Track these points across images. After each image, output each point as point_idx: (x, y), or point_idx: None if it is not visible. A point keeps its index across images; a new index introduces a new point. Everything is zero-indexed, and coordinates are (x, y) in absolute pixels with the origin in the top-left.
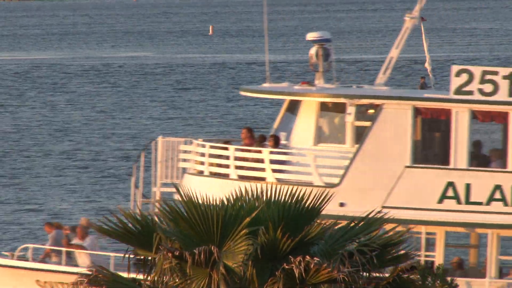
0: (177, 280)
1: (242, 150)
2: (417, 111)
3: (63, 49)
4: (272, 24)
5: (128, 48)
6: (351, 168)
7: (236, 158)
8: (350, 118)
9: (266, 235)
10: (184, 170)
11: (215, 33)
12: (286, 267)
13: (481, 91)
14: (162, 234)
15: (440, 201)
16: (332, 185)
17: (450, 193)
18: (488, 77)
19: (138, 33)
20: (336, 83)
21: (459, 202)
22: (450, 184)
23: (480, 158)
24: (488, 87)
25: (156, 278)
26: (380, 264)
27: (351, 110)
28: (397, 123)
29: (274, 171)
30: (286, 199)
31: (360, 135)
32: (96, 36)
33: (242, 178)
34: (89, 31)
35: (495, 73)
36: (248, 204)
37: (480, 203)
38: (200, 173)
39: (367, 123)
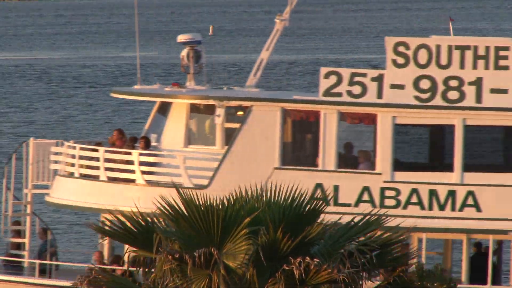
0: (177, 281)
1: (112, 152)
2: (286, 113)
3: None
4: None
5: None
6: (220, 169)
7: (107, 160)
8: (219, 119)
9: (266, 235)
10: (56, 172)
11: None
12: (286, 268)
13: (349, 93)
14: (162, 234)
15: None
16: (202, 187)
17: (319, 194)
18: (356, 79)
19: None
20: (206, 85)
21: (327, 204)
22: (319, 186)
23: (349, 160)
24: (356, 89)
25: (156, 279)
26: (380, 264)
27: (220, 112)
28: (265, 125)
29: (144, 172)
30: (286, 199)
31: (230, 137)
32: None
33: (112, 180)
34: None
35: (364, 75)
36: (248, 204)
37: (348, 205)
38: (71, 174)
39: (237, 125)
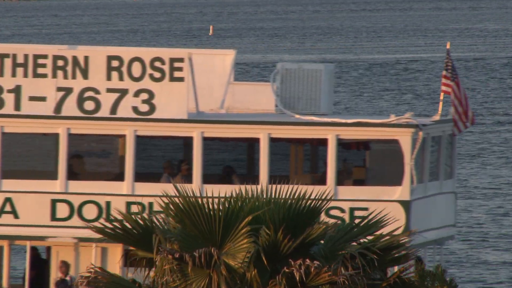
0: (177, 281)
1: None
2: None
3: None
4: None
5: None
6: None
7: None
8: None
9: (267, 235)
10: None
11: None
12: (287, 270)
13: None
14: (161, 235)
15: None
16: None
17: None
18: None
19: None
20: None
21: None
22: None
23: None
24: None
25: (156, 279)
26: (380, 265)
27: None
28: None
29: None
30: (287, 199)
31: None
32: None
33: None
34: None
35: None
36: (249, 203)
37: None
38: None
39: None
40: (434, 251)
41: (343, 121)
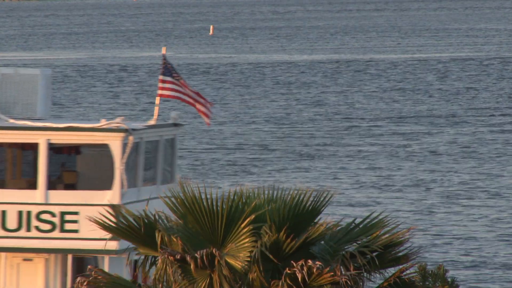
0: (179, 282)
1: None
2: None
3: None
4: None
5: None
6: None
7: None
8: None
9: (269, 235)
10: None
11: None
12: (289, 271)
13: None
14: (164, 232)
15: None
16: None
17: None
18: None
19: None
20: None
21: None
22: None
23: None
24: None
25: (157, 279)
26: (381, 265)
27: None
28: None
29: None
30: (289, 199)
31: None
32: None
33: None
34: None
35: None
36: (251, 202)
37: None
38: None
39: None
40: None
41: (54, 125)
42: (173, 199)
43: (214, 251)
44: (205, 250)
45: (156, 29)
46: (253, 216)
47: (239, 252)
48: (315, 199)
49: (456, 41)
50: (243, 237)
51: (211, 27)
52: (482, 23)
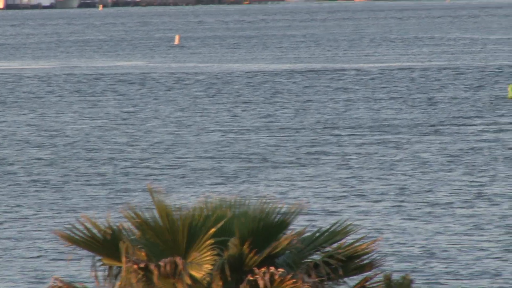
0: None
1: None
2: None
3: None
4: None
5: None
6: None
7: None
8: None
9: (232, 248)
10: None
11: None
12: (251, 278)
13: None
14: (129, 242)
15: None
16: None
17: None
18: None
19: None
20: None
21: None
22: None
23: None
24: None
25: None
26: (345, 273)
27: None
28: None
29: None
30: (255, 210)
31: None
32: None
33: None
34: None
35: None
36: (215, 214)
37: None
38: None
39: None
40: None
41: None
42: (133, 213)
43: (178, 259)
44: (168, 259)
45: (118, 38)
46: (214, 229)
47: (203, 263)
48: (283, 212)
49: (429, 50)
50: (206, 249)
51: (177, 36)
52: (457, 32)
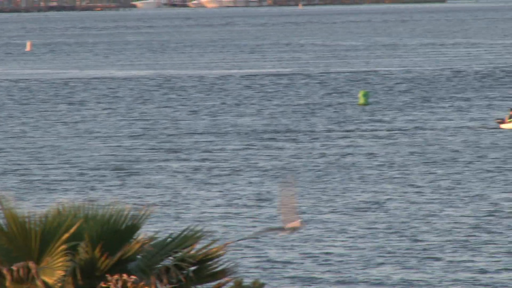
0: None
1: None
2: None
3: None
4: None
5: None
6: None
7: None
8: None
9: (84, 253)
10: None
11: None
12: (104, 285)
13: None
14: None
15: None
16: None
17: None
18: None
19: None
20: None
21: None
22: None
23: None
24: None
25: None
26: (198, 279)
27: None
28: None
29: None
30: (104, 215)
31: None
32: None
33: None
34: None
35: None
36: (68, 220)
37: None
38: None
39: None
40: None
41: None
42: None
43: (31, 264)
44: (21, 264)
45: None
46: (67, 235)
47: (55, 269)
48: (132, 216)
49: (282, 56)
50: (59, 254)
51: (28, 42)
52: (308, 38)
